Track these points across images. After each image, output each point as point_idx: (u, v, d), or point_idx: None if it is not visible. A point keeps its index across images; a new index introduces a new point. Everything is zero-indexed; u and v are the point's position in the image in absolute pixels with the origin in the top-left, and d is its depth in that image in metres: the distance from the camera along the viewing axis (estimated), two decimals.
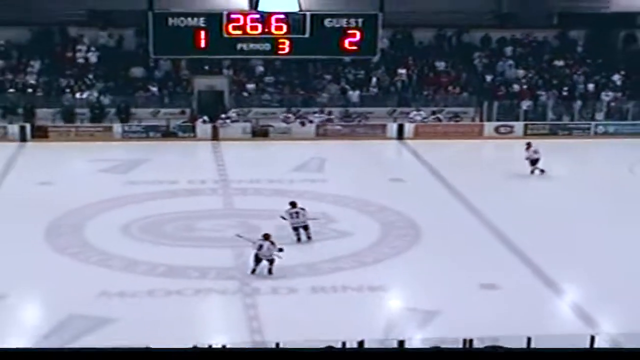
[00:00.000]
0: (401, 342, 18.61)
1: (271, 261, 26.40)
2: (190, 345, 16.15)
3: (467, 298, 24.01)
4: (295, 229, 28.99)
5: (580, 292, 25.22)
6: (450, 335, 19.15)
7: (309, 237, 29.12)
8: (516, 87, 48.87)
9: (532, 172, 37.98)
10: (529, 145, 37.65)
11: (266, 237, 26.46)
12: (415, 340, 20.60)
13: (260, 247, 26.26)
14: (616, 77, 49.54)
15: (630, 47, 52.35)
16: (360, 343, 17.87)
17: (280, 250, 26.14)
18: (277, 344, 17.50)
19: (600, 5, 48.11)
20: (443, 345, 17.62)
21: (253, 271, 26.35)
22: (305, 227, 29.12)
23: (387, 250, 28.43)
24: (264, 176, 37.06)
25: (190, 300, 24.21)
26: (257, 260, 26.26)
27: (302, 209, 29.32)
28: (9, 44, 48.58)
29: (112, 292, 24.29)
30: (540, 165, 37.93)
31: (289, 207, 29.33)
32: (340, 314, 22.98)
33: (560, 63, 50.64)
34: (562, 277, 25.84)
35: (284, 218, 29.07)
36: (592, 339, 18.18)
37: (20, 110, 44.97)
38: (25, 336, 21.64)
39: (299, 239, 28.93)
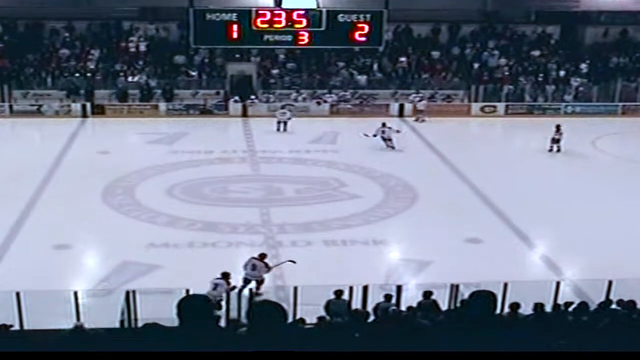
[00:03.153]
0: (399, 287, 18.67)
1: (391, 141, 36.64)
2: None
3: (455, 250, 24.00)
4: (384, 140, 36.67)
5: (549, 246, 25.20)
6: (439, 281, 19.23)
7: (392, 147, 36.57)
8: (499, 73, 48.74)
9: (416, 119, 43.55)
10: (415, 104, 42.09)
11: (386, 124, 36.79)
12: (411, 285, 20.72)
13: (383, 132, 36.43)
14: (583, 66, 49.32)
15: (596, 40, 52.08)
16: (365, 288, 17.96)
17: (398, 131, 36.87)
18: (295, 288, 17.60)
19: (571, 4, 47.73)
20: (433, 290, 17.81)
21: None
22: (390, 139, 36.49)
23: (389, 210, 28.41)
24: (285, 147, 37.09)
25: (223, 251, 24.27)
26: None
27: (390, 127, 37.20)
28: (74, 36, 48.63)
29: (158, 243, 24.42)
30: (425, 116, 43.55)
31: (380, 126, 37.01)
32: (349, 263, 23.03)
33: (536, 53, 50.40)
34: (534, 232, 25.87)
35: (366, 134, 36.82)
36: (558, 284, 18.27)
37: (82, 91, 45.06)
38: (87, 279, 21.83)
39: (391, 146, 36.82)
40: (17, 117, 42.97)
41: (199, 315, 6.45)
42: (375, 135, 36.97)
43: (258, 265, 20.80)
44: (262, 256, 21.19)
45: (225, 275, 19.85)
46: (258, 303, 6.68)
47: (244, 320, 15.37)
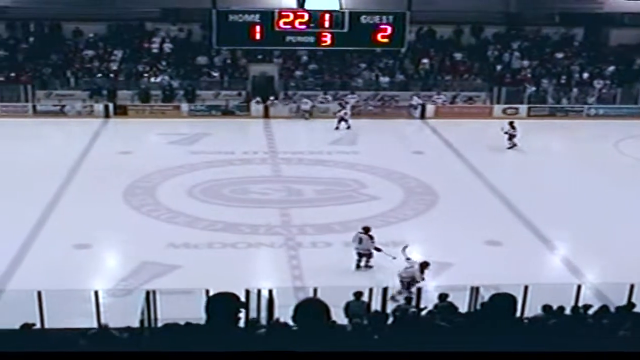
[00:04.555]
0: (419, 289, 18.65)
1: None
2: (242, 289, 16.31)
3: (475, 252, 23.99)
4: (340, 119, 41.15)
5: (570, 248, 25.09)
6: (459, 283, 19.18)
7: (348, 127, 40.84)
8: (522, 75, 48.56)
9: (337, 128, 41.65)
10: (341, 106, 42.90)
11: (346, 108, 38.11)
12: (430, 287, 20.65)
13: None
14: (611, 68, 48.97)
15: (620, 42, 51.75)
16: (385, 290, 17.94)
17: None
18: (315, 289, 17.60)
19: (595, 6, 47.54)
20: (453, 292, 17.76)
21: None
22: (346, 121, 41.10)
23: (408, 211, 28.38)
24: (306, 148, 37.14)
25: (243, 251, 24.37)
26: None
27: (346, 113, 41.55)
28: (97, 36, 48.86)
29: (178, 243, 24.54)
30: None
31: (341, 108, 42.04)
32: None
33: (560, 55, 50.19)
34: (556, 235, 25.81)
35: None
36: (579, 288, 18.17)
37: (104, 92, 45.25)
38: (107, 279, 21.96)
39: (347, 126, 41.17)
40: (40, 117, 43.17)
41: (226, 315, 6.49)
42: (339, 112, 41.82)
43: (364, 239, 22.52)
44: (367, 229, 22.79)
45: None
46: (304, 301, 6.71)
47: (263, 321, 15.44)
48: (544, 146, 38.57)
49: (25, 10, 46.46)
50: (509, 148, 37.52)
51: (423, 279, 20.54)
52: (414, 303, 17.78)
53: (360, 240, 22.60)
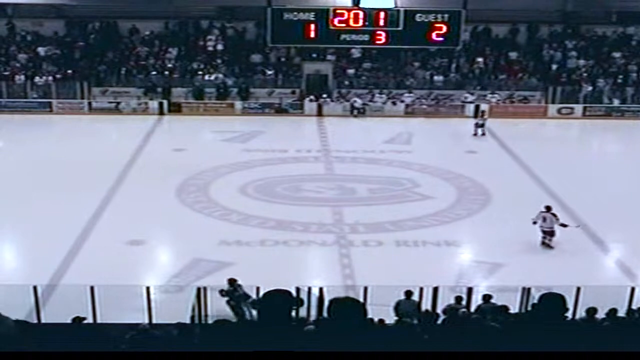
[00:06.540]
0: (470, 289, 18.53)
1: None
2: (293, 287, 16.34)
3: (527, 253, 23.79)
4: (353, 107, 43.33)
5: (624, 250, 24.76)
6: (511, 284, 19.03)
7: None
8: (577, 74, 48.00)
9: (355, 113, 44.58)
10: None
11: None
12: (481, 287, 20.51)
13: None
14: None
15: None
16: (435, 289, 17.86)
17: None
18: (365, 288, 17.58)
19: None
20: (504, 293, 17.62)
21: None
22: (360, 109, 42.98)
23: (461, 211, 28.22)
24: (359, 147, 37.06)
25: (294, 249, 24.39)
26: None
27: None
28: (152, 34, 49.32)
29: (230, 240, 24.65)
30: None
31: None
32: (420, 264, 22.99)
33: (617, 55, 49.53)
34: (610, 237, 25.50)
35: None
36: (632, 290, 17.94)
37: (159, 89, 45.69)
38: (159, 275, 22.15)
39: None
40: (95, 113, 43.75)
41: (280, 311, 6.50)
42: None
43: (547, 217, 23.90)
44: (549, 208, 24.31)
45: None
46: (338, 299, 6.69)
47: (312, 318, 15.46)
48: (599, 147, 38.09)
49: (84, 9, 47.11)
50: (475, 135, 39.82)
51: None
52: (464, 303, 17.69)
53: (545, 219, 23.89)
